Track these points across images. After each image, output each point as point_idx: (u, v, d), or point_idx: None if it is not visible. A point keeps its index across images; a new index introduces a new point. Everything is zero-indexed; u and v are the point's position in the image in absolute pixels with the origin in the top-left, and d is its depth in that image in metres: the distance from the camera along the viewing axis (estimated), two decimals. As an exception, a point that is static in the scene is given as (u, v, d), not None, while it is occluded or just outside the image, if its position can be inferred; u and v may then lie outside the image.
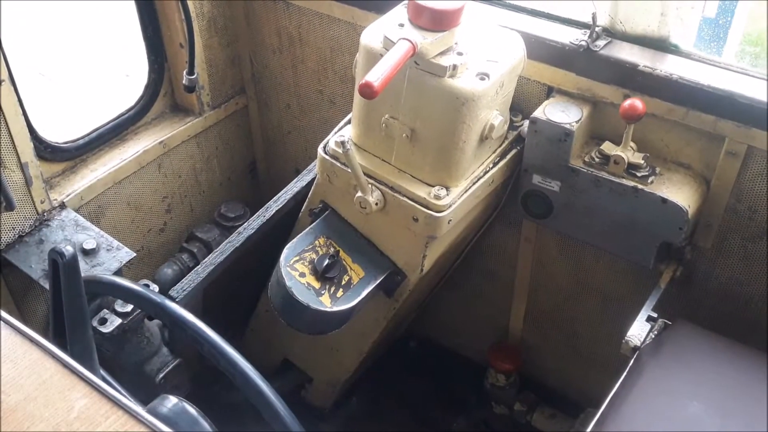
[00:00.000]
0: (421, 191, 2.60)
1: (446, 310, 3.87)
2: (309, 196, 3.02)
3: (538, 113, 2.71)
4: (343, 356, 3.42)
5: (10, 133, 2.75)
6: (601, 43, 2.68)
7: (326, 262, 2.72)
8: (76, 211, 3.09)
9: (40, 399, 1.32)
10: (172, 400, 1.54)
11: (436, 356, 4.06)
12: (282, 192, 3.19)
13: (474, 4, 2.90)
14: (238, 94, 3.82)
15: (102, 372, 2.20)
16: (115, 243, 2.92)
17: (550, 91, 2.83)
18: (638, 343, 2.53)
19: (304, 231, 2.86)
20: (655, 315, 2.64)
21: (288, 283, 2.67)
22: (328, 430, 3.80)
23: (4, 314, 1.47)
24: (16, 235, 2.91)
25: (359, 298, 2.72)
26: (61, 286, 1.92)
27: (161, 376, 2.86)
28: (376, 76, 2.19)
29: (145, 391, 2.79)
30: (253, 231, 3.07)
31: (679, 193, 2.62)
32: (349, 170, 2.60)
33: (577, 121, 2.67)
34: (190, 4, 3.21)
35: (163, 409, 1.52)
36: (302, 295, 2.66)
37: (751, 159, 2.56)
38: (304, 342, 3.43)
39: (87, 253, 2.87)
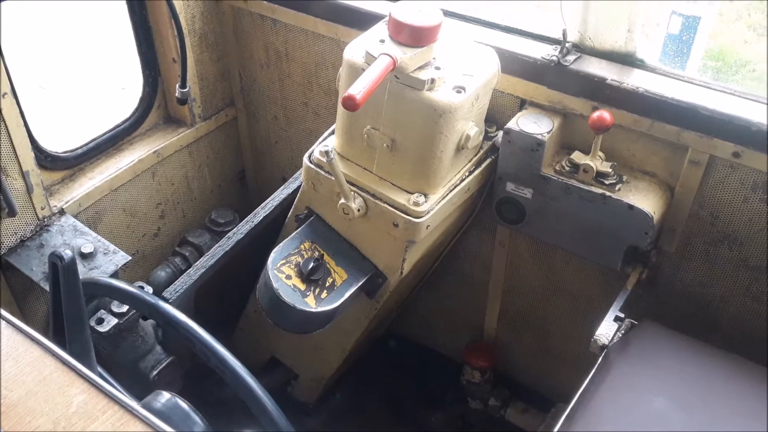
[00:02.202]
0: (401, 198, 2.61)
1: (424, 311, 3.88)
2: (295, 202, 3.02)
3: (511, 124, 2.72)
4: (327, 354, 3.42)
5: (12, 143, 2.75)
6: (571, 58, 2.70)
7: (311, 265, 2.72)
8: (75, 217, 3.09)
9: (40, 394, 1.31)
10: (165, 396, 1.54)
11: (414, 354, 4.06)
12: (269, 199, 3.19)
13: (451, 20, 2.91)
14: (227, 107, 3.82)
15: (99, 369, 2.19)
16: (112, 247, 2.92)
17: (522, 104, 2.84)
18: (606, 342, 2.54)
19: (291, 236, 2.86)
20: (622, 315, 2.64)
21: (275, 285, 2.67)
22: (313, 423, 3.80)
23: (6, 314, 1.46)
24: (18, 240, 2.91)
25: (342, 299, 2.73)
26: (61, 288, 1.91)
27: (155, 373, 2.85)
28: (358, 89, 2.19)
29: (140, 387, 2.78)
30: (242, 236, 3.07)
31: (644, 200, 2.63)
32: (333, 178, 2.60)
33: (548, 132, 2.68)
34: (182, 21, 3.20)
35: (156, 405, 1.52)
36: (288, 297, 2.66)
37: (713, 168, 2.58)
38: (290, 341, 3.43)
39: (85, 256, 2.86)
